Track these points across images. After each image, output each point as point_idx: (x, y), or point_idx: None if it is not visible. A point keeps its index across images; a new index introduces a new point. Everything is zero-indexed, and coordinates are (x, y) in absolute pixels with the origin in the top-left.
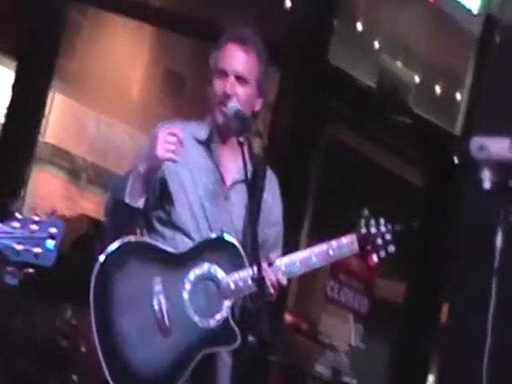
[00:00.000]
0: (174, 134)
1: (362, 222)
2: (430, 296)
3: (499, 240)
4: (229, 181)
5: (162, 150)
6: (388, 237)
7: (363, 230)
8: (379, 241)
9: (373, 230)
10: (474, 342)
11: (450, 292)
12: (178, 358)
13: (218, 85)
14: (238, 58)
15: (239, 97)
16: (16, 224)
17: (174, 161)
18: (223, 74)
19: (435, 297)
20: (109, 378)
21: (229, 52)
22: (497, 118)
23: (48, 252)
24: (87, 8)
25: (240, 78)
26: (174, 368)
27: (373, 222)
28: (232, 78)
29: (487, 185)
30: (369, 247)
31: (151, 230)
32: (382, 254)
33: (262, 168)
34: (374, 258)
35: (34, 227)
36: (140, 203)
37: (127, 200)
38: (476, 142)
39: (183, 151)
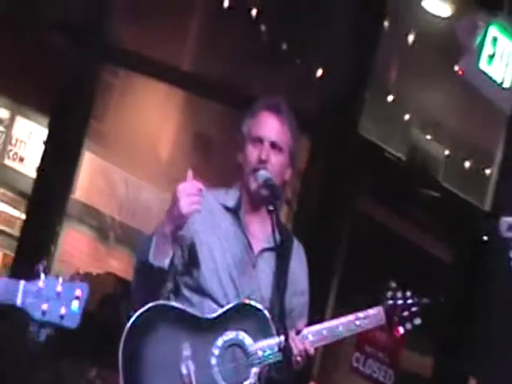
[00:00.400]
0: (194, 187)
1: (389, 294)
2: (456, 370)
3: None
4: (257, 249)
5: (186, 205)
6: (414, 309)
7: (390, 302)
8: (405, 313)
9: (399, 302)
10: None
11: (477, 368)
12: None
13: (253, 152)
14: (273, 126)
15: (273, 164)
16: (41, 284)
17: (199, 211)
18: (258, 141)
19: (462, 371)
20: None
21: (264, 120)
22: None
23: (73, 314)
24: (119, 70)
25: (275, 146)
26: None
27: (399, 294)
28: (267, 145)
29: None
30: (395, 319)
31: (178, 295)
32: (408, 326)
33: (288, 237)
34: (400, 329)
35: (59, 288)
36: (165, 263)
37: (152, 260)
38: (505, 221)
39: (212, 218)
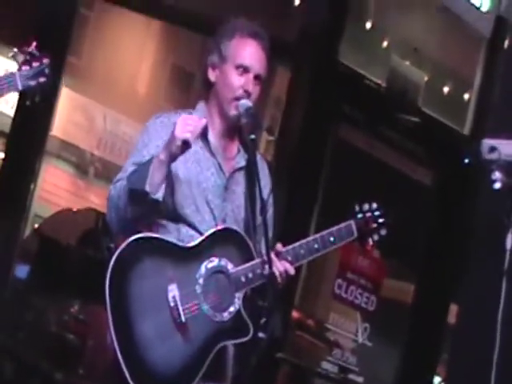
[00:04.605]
0: (194, 118)
1: (357, 207)
2: (438, 297)
3: (509, 241)
4: (227, 170)
5: (180, 129)
6: (381, 220)
7: (359, 215)
8: (373, 225)
9: (368, 214)
10: (483, 343)
11: (459, 293)
12: (195, 353)
13: (237, 80)
14: (259, 58)
15: (253, 95)
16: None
17: (189, 139)
18: (243, 69)
19: (443, 298)
20: (128, 377)
21: (249, 48)
22: (507, 120)
23: None
24: (94, 2)
25: (257, 78)
26: (193, 363)
27: (367, 206)
28: (252, 76)
29: (498, 186)
30: (365, 232)
31: (152, 223)
32: (376, 237)
33: (253, 155)
34: (370, 241)
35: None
36: (159, 196)
37: (147, 189)
38: (487, 143)
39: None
